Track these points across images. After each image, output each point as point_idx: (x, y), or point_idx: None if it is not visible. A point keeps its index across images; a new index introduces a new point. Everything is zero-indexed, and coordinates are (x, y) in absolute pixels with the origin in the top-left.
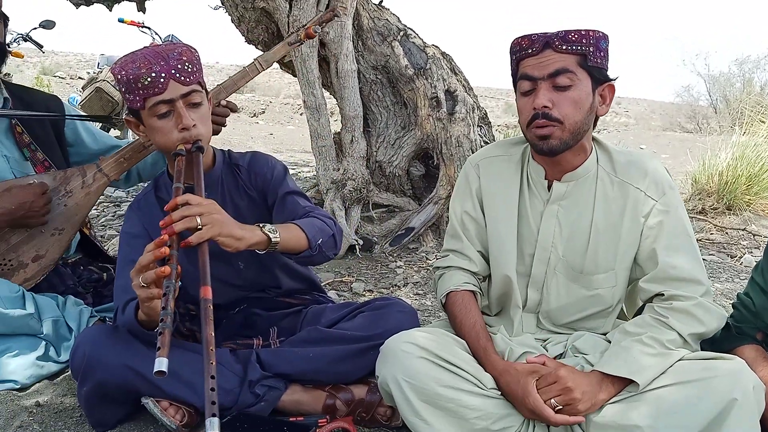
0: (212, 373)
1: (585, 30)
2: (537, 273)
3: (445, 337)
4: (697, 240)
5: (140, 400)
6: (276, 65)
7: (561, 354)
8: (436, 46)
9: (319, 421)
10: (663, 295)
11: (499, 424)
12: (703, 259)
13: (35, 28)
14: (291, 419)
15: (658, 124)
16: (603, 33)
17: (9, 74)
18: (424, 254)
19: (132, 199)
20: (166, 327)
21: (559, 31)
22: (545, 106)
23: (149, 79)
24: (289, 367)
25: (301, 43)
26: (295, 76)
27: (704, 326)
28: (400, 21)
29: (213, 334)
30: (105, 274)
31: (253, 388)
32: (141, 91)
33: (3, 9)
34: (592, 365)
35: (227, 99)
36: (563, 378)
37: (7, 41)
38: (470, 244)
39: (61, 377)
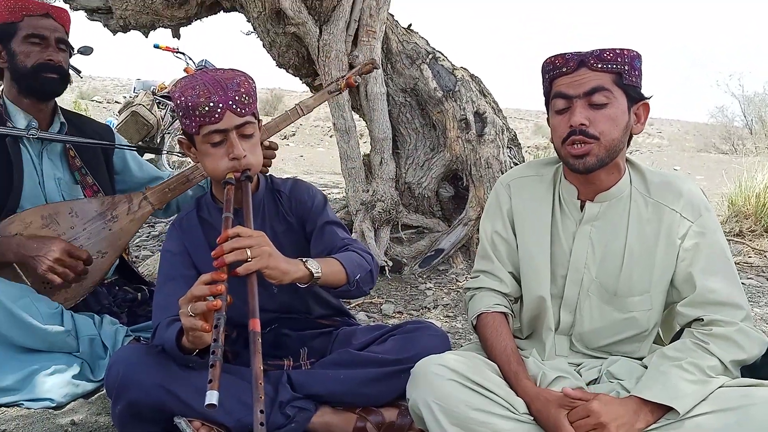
0: (261, 408)
1: (620, 49)
2: (570, 295)
3: (476, 360)
4: (735, 263)
5: (172, 420)
6: (307, 88)
7: (595, 379)
8: (465, 69)
9: None
10: (702, 320)
11: None
12: (742, 283)
13: (74, 54)
14: None
15: (692, 145)
16: (637, 52)
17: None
18: (454, 276)
19: (166, 222)
20: (217, 359)
21: (593, 50)
22: (582, 123)
23: (207, 108)
24: (320, 388)
25: (341, 92)
26: None
27: (745, 353)
28: (428, 44)
29: (262, 368)
30: (139, 294)
31: (283, 409)
32: (197, 119)
33: None
34: (628, 391)
35: (269, 140)
36: (596, 412)
37: None
38: (501, 265)
39: (95, 396)
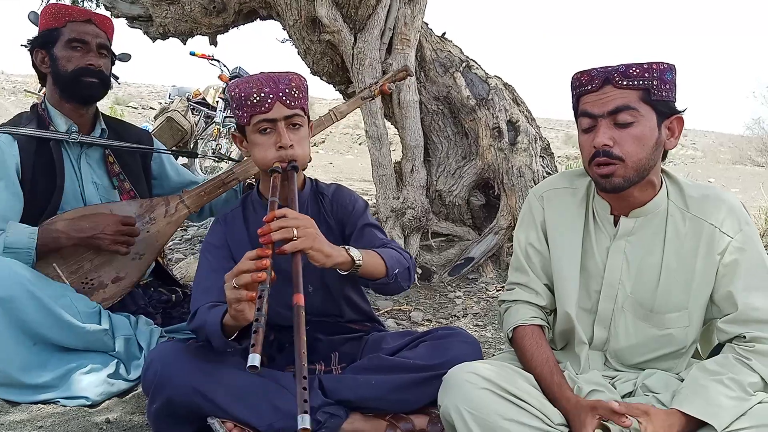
0: (304, 374)
1: (648, 63)
2: (603, 310)
3: (509, 369)
4: None
5: (206, 421)
6: (339, 95)
7: (630, 392)
8: (499, 77)
9: None
10: (744, 336)
11: None
12: None
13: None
14: None
15: (728, 157)
16: (668, 64)
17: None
18: (483, 285)
19: (198, 225)
20: (260, 326)
21: (620, 65)
22: (606, 145)
23: (258, 98)
24: (351, 393)
25: (374, 99)
26: None
27: None
28: (462, 52)
29: (305, 339)
30: (174, 296)
31: (314, 415)
32: (249, 108)
33: None
34: (664, 404)
35: None
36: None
37: None
38: (536, 277)
39: (130, 395)
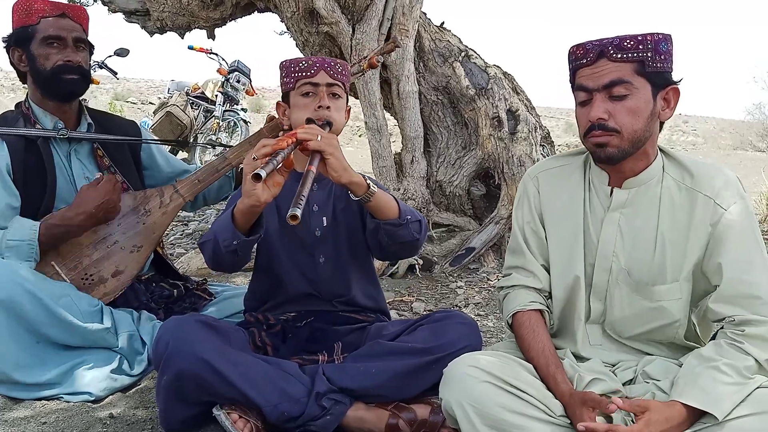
0: (304, 192)
1: (642, 35)
2: (598, 282)
3: (510, 360)
4: None
5: (210, 407)
6: None
7: (631, 380)
8: (498, 66)
9: None
10: (734, 319)
11: None
12: None
13: (110, 56)
14: None
15: (728, 142)
16: (663, 35)
17: (85, 99)
18: (485, 275)
19: (199, 219)
20: (273, 161)
21: (614, 38)
22: (600, 118)
23: (305, 65)
24: (353, 383)
25: (363, 73)
26: (356, 98)
27: None
28: (461, 42)
29: (313, 171)
30: (175, 290)
31: (320, 401)
32: (296, 74)
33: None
34: (664, 391)
35: None
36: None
37: None
38: (533, 258)
39: (133, 390)
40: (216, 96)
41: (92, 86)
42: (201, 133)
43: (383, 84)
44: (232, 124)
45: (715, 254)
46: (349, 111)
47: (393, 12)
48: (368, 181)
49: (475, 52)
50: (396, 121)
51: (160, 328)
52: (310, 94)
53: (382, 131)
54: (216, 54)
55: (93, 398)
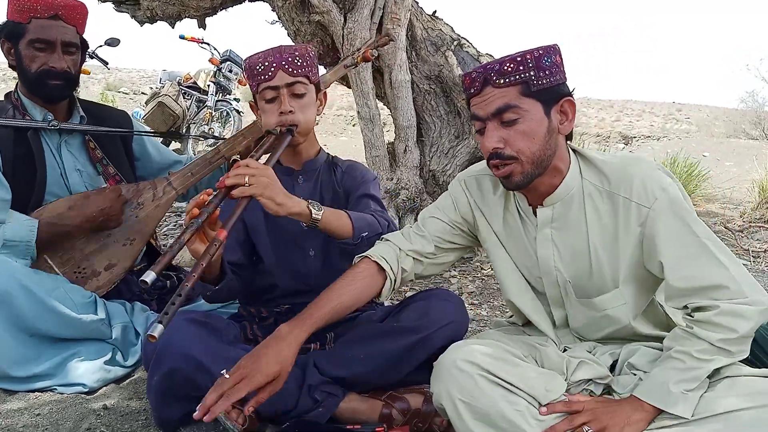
0: (182, 293)
1: (521, 55)
2: (552, 294)
3: (501, 350)
4: (765, 250)
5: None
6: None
7: (613, 365)
8: (490, 55)
9: (377, 429)
10: (687, 308)
11: None
12: None
13: (101, 46)
14: (348, 427)
15: (722, 131)
16: (545, 48)
17: (77, 89)
18: (478, 264)
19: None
20: (170, 252)
21: (496, 63)
22: (495, 148)
23: (262, 67)
24: (343, 370)
25: (357, 65)
26: (349, 87)
27: (735, 331)
28: (453, 31)
29: (204, 265)
30: (168, 281)
31: (312, 393)
32: (256, 78)
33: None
34: None
35: None
36: (593, 414)
37: None
38: (420, 233)
39: (127, 381)
40: (208, 86)
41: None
42: (193, 123)
43: (375, 73)
44: (224, 114)
45: (654, 253)
46: (324, 96)
47: (385, 1)
48: (310, 208)
49: (467, 41)
50: (389, 110)
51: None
52: (274, 98)
53: (374, 121)
54: (207, 44)
55: (87, 389)
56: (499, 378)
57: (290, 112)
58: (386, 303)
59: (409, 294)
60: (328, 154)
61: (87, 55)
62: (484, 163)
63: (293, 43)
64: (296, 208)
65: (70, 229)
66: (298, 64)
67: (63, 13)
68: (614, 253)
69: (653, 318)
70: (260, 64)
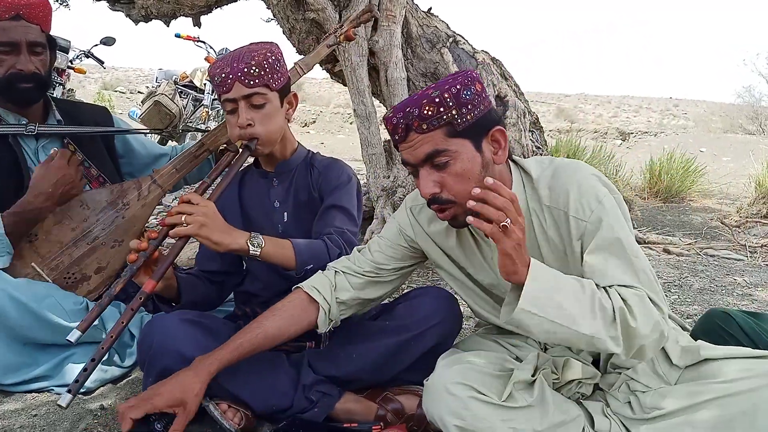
0: (94, 357)
1: (439, 96)
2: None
3: (491, 359)
4: (761, 246)
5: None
6: (327, 75)
7: (592, 362)
8: (486, 52)
9: (374, 427)
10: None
11: None
12: (767, 265)
13: (96, 45)
14: (345, 425)
15: (719, 126)
16: (462, 81)
17: (72, 90)
18: None
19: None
20: (99, 306)
21: (414, 108)
22: (432, 194)
23: (220, 79)
24: (336, 370)
25: (339, 44)
26: (345, 85)
27: (634, 316)
28: (449, 27)
29: (125, 323)
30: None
31: (307, 393)
32: (217, 89)
33: (61, 31)
34: (637, 380)
35: None
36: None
37: (70, 58)
38: (366, 256)
39: (124, 381)
40: (204, 84)
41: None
42: (190, 122)
43: (371, 71)
44: (221, 112)
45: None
46: (295, 98)
47: None
48: (249, 245)
49: (463, 38)
50: (385, 108)
51: (144, 328)
52: (234, 110)
53: (371, 118)
54: (203, 42)
55: (84, 390)
56: (492, 396)
57: (248, 125)
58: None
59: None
60: (308, 151)
61: (83, 54)
62: None
63: (263, 42)
64: (234, 245)
65: (34, 212)
66: (255, 73)
67: (24, 12)
68: (565, 265)
69: None
70: (218, 75)
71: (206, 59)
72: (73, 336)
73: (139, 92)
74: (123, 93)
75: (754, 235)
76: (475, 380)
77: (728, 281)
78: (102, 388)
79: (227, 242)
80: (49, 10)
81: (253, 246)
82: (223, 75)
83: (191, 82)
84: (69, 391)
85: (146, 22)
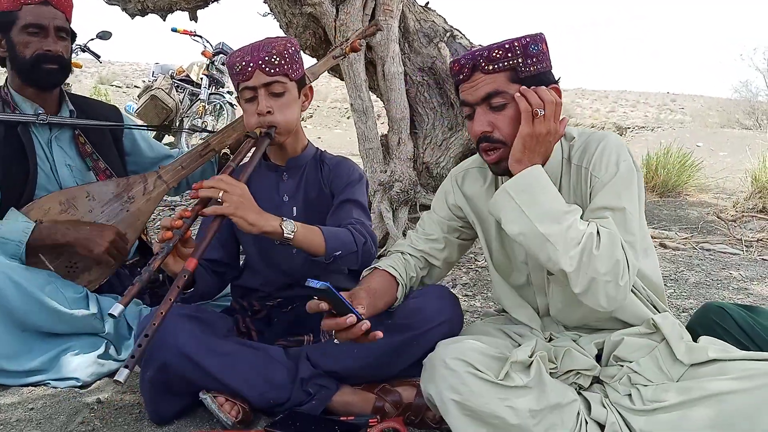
0: (147, 332)
1: (509, 42)
2: (536, 279)
3: (491, 343)
4: (757, 240)
5: (197, 395)
6: None
7: (595, 356)
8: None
9: (370, 420)
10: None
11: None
12: (764, 260)
13: (93, 39)
14: (342, 419)
15: (716, 120)
16: (532, 37)
17: (68, 84)
18: (472, 255)
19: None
20: (138, 281)
21: (483, 50)
22: (484, 132)
23: (239, 67)
24: (336, 364)
25: (346, 56)
26: (342, 80)
27: (598, 248)
28: (446, 22)
29: (173, 300)
30: (160, 275)
31: (305, 386)
32: (236, 77)
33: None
34: (638, 373)
35: None
36: None
37: None
38: (421, 234)
39: None
40: (201, 79)
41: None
42: (186, 116)
43: (368, 65)
44: (217, 107)
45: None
46: (311, 90)
47: None
48: (283, 227)
49: (460, 32)
50: (382, 102)
51: (141, 322)
52: (252, 98)
53: (368, 113)
54: (200, 36)
55: (80, 384)
56: (489, 374)
57: (268, 112)
58: None
59: None
60: (317, 149)
61: (79, 49)
62: (474, 156)
63: (281, 36)
64: (268, 227)
65: (62, 243)
66: (276, 62)
67: (52, 0)
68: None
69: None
70: (238, 64)
71: (203, 54)
72: (116, 310)
73: (135, 87)
74: (119, 87)
75: (750, 229)
76: (473, 359)
77: (724, 275)
78: (99, 382)
79: (261, 224)
80: (72, 4)
81: (287, 229)
82: (244, 63)
83: (188, 76)
84: (126, 367)
85: (142, 16)
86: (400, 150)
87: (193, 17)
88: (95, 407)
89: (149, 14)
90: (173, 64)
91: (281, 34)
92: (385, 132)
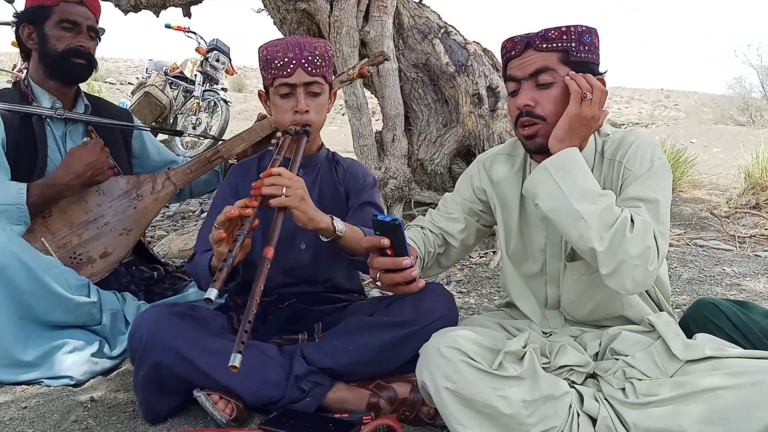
0: (250, 318)
1: (566, 26)
2: (552, 269)
3: (486, 334)
4: (750, 236)
5: (192, 393)
6: None
7: (596, 352)
8: (478, 43)
9: (364, 418)
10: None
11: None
12: (756, 255)
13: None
14: (336, 416)
15: (710, 117)
16: (587, 27)
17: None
18: None
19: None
20: (225, 266)
21: (540, 30)
22: (527, 105)
23: (281, 63)
24: (331, 361)
25: (352, 82)
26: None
27: (632, 231)
28: (440, 18)
29: (262, 288)
30: (155, 273)
31: (299, 384)
32: (273, 71)
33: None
34: (634, 366)
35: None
36: None
37: None
38: (442, 212)
39: (114, 373)
40: (195, 75)
41: None
42: (181, 113)
43: None
44: (212, 104)
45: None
46: (334, 95)
47: None
48: (335, 223)
49: (454, 29)
50: (376, 99)
51: (135, 321)
52: (289, 94)
53: (362, 110)
54: (194, 33)
55: (74, 382)
56: (482, 362)
57: (306, 111)
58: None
59: None
60: (328, 150)
61: None
62: (503, 144)
63: (317, 38)
64: (323, 224)
65: (61, 188)
66: (318, 63)
67: (87, 1)
68: None
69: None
70: (279, 59)
71: (197, 50)
72: (212, 294)
73: (129, 83)
74: (113, 84)
75: (743, 225)
76: (468, 348)
77: (717, 271)
78: (92, 380)
79: (318, 219)
80: (101, 8)
81: (338, 227)
82: (286, 59)
83: (182, 73)
84: (239, 352)
85: (136, 12)
86: (394, 147)
87: (187, 13)
88: (89, 405)
89: (142, 10)
90: (167, 61)
91: (275, 30)
92: (380, 129)
